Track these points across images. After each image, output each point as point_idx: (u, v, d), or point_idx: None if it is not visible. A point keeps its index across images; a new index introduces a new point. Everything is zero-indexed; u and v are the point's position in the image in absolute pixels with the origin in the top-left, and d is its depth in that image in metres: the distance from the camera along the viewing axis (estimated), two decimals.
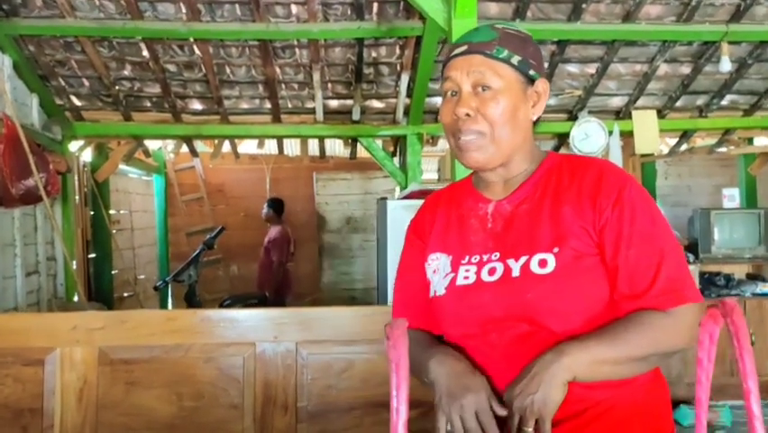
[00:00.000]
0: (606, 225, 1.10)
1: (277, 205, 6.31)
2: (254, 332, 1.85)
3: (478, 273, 1.15)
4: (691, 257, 4.73)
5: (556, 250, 1.10)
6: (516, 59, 1.15)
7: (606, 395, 1.09)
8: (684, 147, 5.65)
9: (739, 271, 4.88)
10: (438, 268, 1.22)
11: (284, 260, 6.03)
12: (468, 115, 1.13)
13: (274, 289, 5.99)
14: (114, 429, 1.78)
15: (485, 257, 1.16)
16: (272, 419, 1.81)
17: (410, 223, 1.35)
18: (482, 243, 1.18)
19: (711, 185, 7.54)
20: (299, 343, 1.85)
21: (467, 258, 1.18)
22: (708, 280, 4.73)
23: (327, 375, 1.84)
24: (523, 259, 1.12)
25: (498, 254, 1.15)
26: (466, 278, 1.15)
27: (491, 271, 1.14)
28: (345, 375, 1.84)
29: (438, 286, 1.20)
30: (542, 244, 1.12)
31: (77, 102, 4.62)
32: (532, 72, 1.17)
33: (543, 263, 1.10)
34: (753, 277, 4.86)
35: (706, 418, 0.59)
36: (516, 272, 1.11)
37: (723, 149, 5.93)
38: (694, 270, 4.65)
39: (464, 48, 1.17)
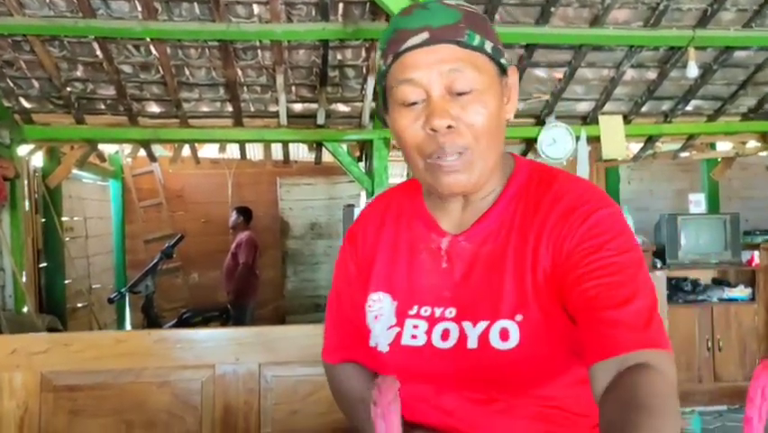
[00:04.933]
0: (567, 260, 0.88)
1: (246, 213, 6.23)
2: (214, 353, 1.72)
3: (428, 334, 0.95)
4: (659, 262, 4.73)
5: (519, 318, 0.90)
6: (489, 46, 0.91)
7: None
8: (649, 152, 5.66)
9: (705, 277, 4.89)
10: (380, 314, 1.00)
11: (251, 262, 5.90)
12: (449, 127, 0.88)
13: (239, 292, 5.85)
14: None
15: (437, 312, 0.96)
16: None
17: (346, 239, 1.10)
18: (436, 291, 0.97)
19: (672, 189, 7.61)
20: (263, 364, 1.72)
21: (415, 308, 0.97)
22: (675, 286, 4.73)
23: (292, 399, 1.71)
24: (482, 325, 0.92)
25: (453, 311, 0.94)
26: (414, 337, 0.95)
27: (444, 335, 0.94)
28: (312, 399, 1.71)
29: (380, 339, 0.99)
30: (504, 308, 0.91)
31: (26, 104, 4.40)
32: (503, 61, 0.94)
33: (504, 335, 0.90)
34: (719, 282, 4.87)
35: None
36: (472, 343, 0.91)
37: (686, 153, 5.97)
38: (661, 276, 4.63)
39: (425, 35, 0.88)
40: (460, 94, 0.88)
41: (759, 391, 0.48)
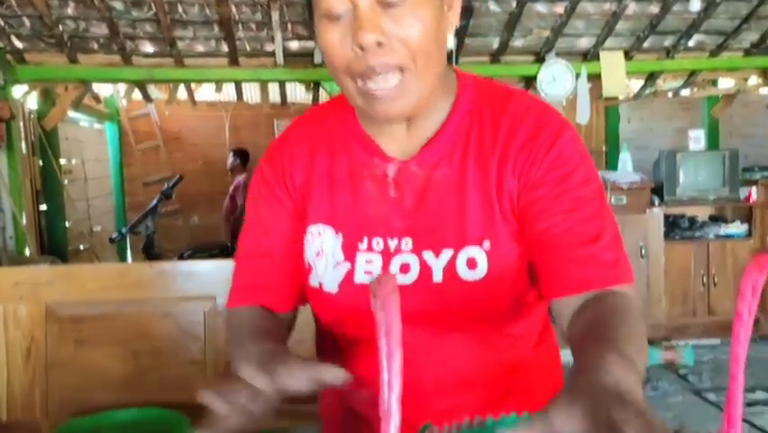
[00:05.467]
0: (532, 190, 0.84)
1: (243, 155, 6.29)
2: (215, 285, 1.74)
3: (385, 270, 0.87)
4: (657, 200, 4.74)
5: (487, 245, 0.85)
6: None
7: (527, 372, 0.96)
8: (649, 90, 5.61)
9: (703, 214, 4.92)
10: (323, 250, 0.89)
11: None
12: (379, 43, 0.76)
13: (238, 234, 5.90)
14: (65, 390, 1.68)
15: (392, 243, 0.87)
16: None
17: (268, 164, 0.95)
18: (385, 221, 0.87)
19: (673, 128, 7.57)
20: None
21: (365, 241, 0.88)
22: (672, 223, 4.76)
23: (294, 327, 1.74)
24: (446, 255, 0.85)
25: (409, 242, 0.86)
26: (369, 273, 0.87)
27: (404, 269, 0.86)
28: (312, 328, 1.74)
29: (325, 278, 0.89)
30: (470, 234, 0.85)
31: (18, 43, 4.33)
32: None
33: (472, 264, 0.84)
34: (715, 219, 4.90)
35: (743, 378, 0.51)
36: (438, 276, 0.85)
37: (687, 91, 5.91)
38: (659, 212, 4.67)
39: None
40: (391, 5, 0.75)
41: (749, 287, 0.49)
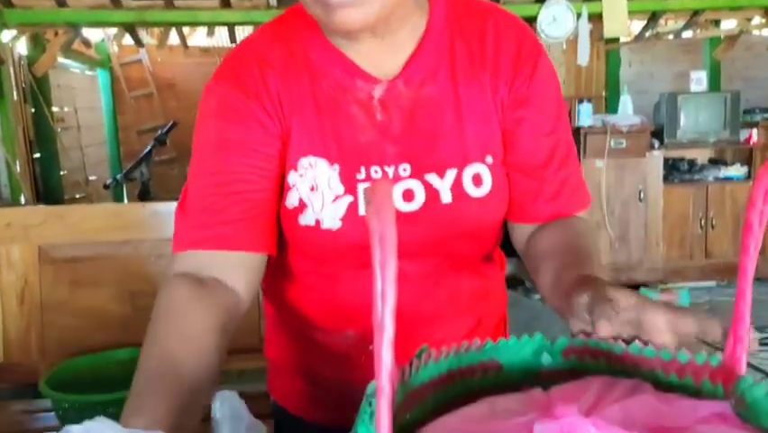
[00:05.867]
0: (520, 106, 0.84)
1: None
2: None
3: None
4: (656, 143, 4.70)
5: (490, 160, 0.83)
6: None
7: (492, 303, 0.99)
8: (651, 32, 5.50)
9: (702, 156, 4.89)
10: (318, 184, 0.82)
11: None
12: None
13: None
14: (63, 331, 1.67)
15: (389, 170, 0.82)
16: None
17: (227, 81, 0.84)
18: (377, 147, 0.82)
19: (673, 72, 7.46)
20: None
21: (362, 171, 0.81)
22: (671, 166, 4.73)
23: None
24: (451, 175, 0.82)
25: (408, 167, 0.82)
26: None
27: (407, 196, 0.82)
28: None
29: (324, 214, 0.82)
30: (471, 151, 0.82)
31: None
32: None
33: (477, 180, 0.82)
34: (715, 161, 4.87)
35: (750, 294, 0.48)
36: (446, 197, 0.82)
37: (689, 34, 5.79)
38: (658, 155, 4.63)
39: None
40: None
41: (761, 193, 0.45)
